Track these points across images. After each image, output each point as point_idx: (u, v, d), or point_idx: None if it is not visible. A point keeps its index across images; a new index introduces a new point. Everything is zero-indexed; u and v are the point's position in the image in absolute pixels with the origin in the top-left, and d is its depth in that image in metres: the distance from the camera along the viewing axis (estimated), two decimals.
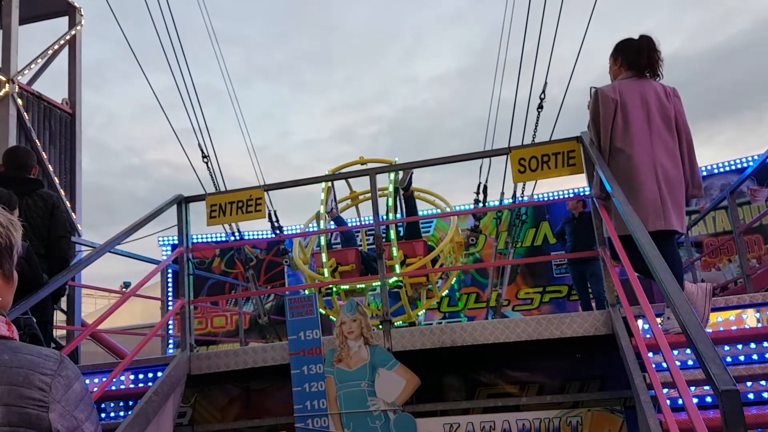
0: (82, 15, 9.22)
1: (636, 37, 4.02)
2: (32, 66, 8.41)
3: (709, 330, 3.70)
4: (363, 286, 6.90)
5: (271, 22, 58.39)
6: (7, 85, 7.71)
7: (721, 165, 11.09)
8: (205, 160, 7.90)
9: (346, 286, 6.79)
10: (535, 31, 7.00)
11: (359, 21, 57.87)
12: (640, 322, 3.74)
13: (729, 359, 3.57)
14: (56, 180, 8.20)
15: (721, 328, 3.79)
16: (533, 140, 7.15)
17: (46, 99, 8.48)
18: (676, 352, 3.51)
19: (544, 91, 7.08)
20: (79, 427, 1.15)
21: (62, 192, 8.26)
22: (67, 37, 9.03)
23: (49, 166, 8.12)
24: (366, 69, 60.86)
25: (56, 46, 8.87)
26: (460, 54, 56.36)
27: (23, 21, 8.39)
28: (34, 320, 3.62)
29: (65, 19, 9.25)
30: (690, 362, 3.50)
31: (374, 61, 59.83)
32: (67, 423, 1.13)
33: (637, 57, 3.97)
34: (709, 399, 3.28)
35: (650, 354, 3.29)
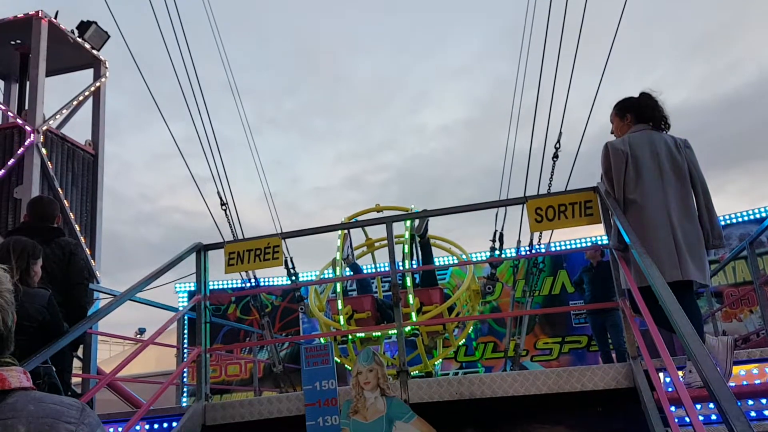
0: (107, 68, 9.50)
1: (636, 95, 4.14)
2: (57, 116, 8.63)
3: (732, 384, 3.63)
4: (379, 334, 6.85)
5: (280, 73, 59.75)
6: (32, 134, 7.91)
7: (739, 215, 11.03)
8: (224, 207, 7.99)
9: (362, 334, 6.75)
10: (541, 80, 7.14)
11: (366, 72, 59.20)
12: (661, 375, 3.67)
13: (753, 414, 3.49)
14: (77, 227, 8.32)
15: (745, 382, 3.72)
16: (549, 189, 7.18)
17: (69, 140, 8.69)
18: (699, 407, 3.44)
19: (559, 141, 7.15)
20: None
21: (82, 239, 8.36)
22: (92, 89, 9.29)
23: (71, 213, 8.24)
24: (374, 118, 61.92)
25: (81, 98, 9.12)
26: (467, 105, 57.20)
27: (50, 73, 8.65)
28: (54, 369, 3.63)
29: (90, 71, 9.54)
30: (713, 416, 3.43)
31: (382, 111, 60.90)
32: None
33: (647, 111, 4.05)
34: None
35: (673, 408, 3.23)
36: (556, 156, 7.19)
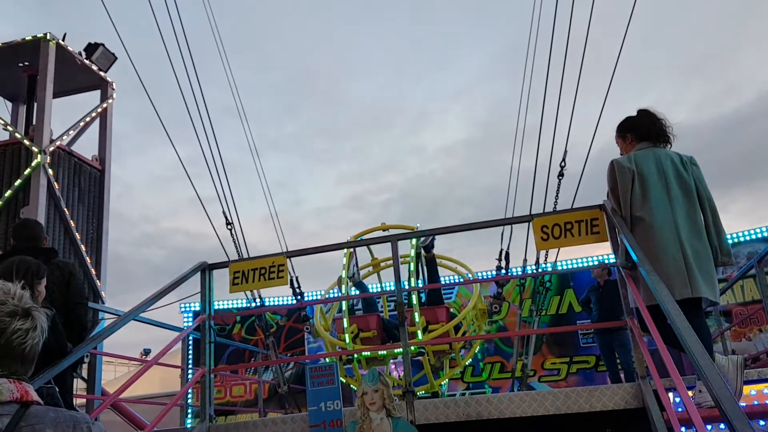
0: (114, 89, 9.56)
1: (634, 113, 4.14)
2: (64, 137, 8.67)
3: (743, 404, 3.57)
4: (385, 353, 6.80)
5: (281, 96, 60.14)
6: (39, 156, 7.94)
7: (747, 233, 10.97)
8: (229, 227, 7.99)
9: (368, 353, 6.70)
10: (544, 101, 7.16)
11: (366, 92, 59.67)
12: (671, 395, 3.62)
13: None
14: (83, 248, 8.31)
15: (756, 402, 3.67)
16: (554, 207, 7.15)
17: (76, 155, 8.70)
18: (709, 427, 3.38)
19: (564, 159, 7.14)
20: None
21: (88, 259, 8.35)
22: (99, 110, 9.34)
23: (76, 233, 8.23)
24: (374, 139, 62.27)
25: (88, 119, 9.16)
26: (466, 126, 57.39)
27: (57, 95, 8.69)
28: (57, 390, 3.60)
29: (97, 92, 9.60)
30: None
31: (382, 132, 61.28)
32: None
33: (645, 128, 4.05)
34: None
35: (683, 428, 3.18)
36: (561, 174, 7.18)
